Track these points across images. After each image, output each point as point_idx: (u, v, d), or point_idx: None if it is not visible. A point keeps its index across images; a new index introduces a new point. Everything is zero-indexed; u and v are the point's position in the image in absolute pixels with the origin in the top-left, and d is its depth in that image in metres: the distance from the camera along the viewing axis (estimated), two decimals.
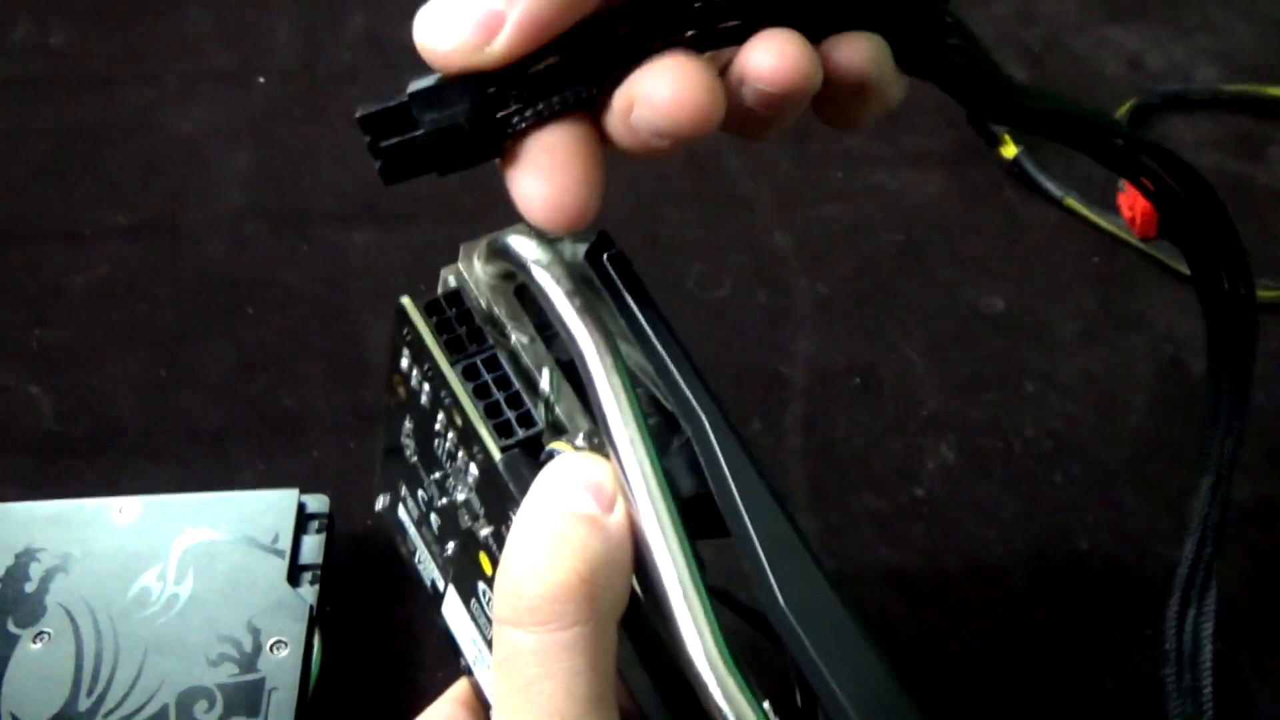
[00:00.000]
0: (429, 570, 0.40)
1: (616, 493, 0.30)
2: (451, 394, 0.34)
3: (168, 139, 0.72)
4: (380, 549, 0.55)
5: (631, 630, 0.30)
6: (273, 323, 0.63)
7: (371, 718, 0.50)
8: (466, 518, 0.35)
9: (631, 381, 0.31)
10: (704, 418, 0.32)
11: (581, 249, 0.35)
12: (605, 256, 0.34)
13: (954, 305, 0.64)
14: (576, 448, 0.32)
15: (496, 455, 0.32)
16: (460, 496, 0.35)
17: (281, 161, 0.71)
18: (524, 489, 0.31)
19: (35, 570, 0.48)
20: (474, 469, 0.34)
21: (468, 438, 0.34)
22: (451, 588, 0.38)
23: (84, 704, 0.45)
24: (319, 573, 0.49)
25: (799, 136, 0.72)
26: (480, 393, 0.33)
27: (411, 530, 0.40)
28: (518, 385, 0.34)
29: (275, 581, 0.48)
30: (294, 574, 0.49)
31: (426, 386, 0.35)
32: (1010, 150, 0.69)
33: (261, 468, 0.58)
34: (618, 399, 0.30)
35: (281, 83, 0.75)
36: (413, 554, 0.40)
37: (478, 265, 0.36)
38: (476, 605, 0.36)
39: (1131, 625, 0.53)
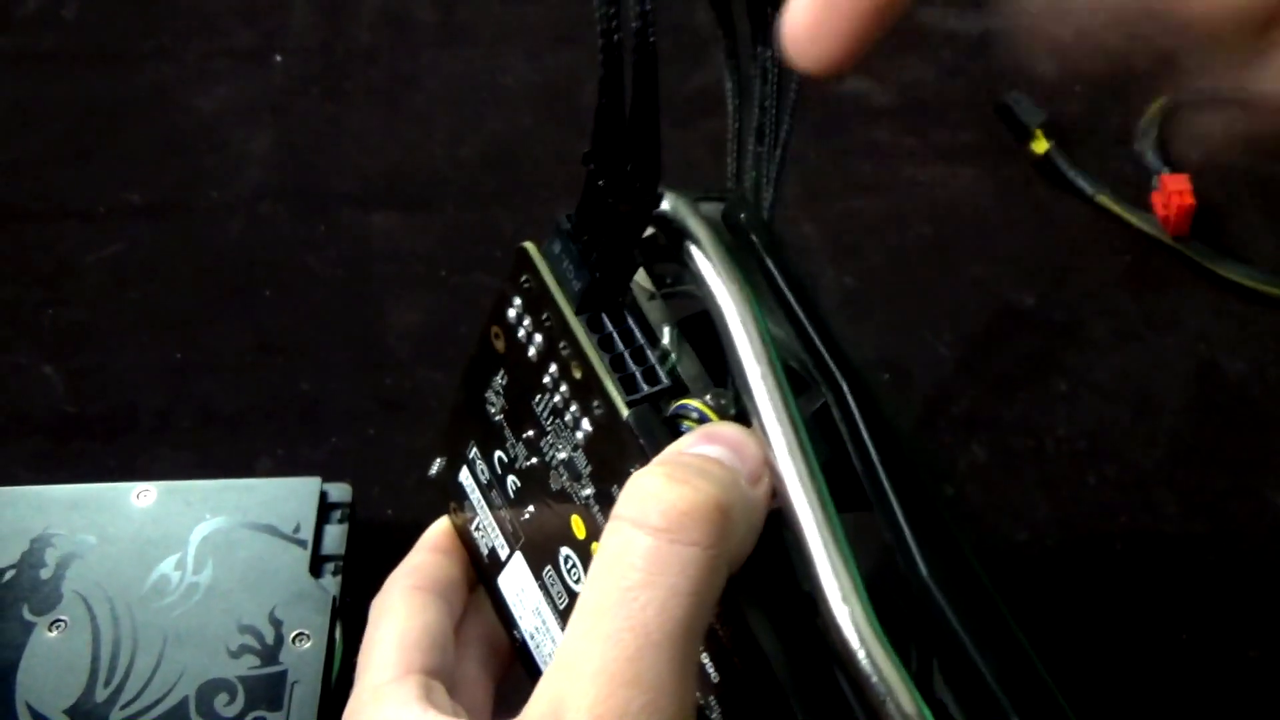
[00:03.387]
0: (488, 538, 0.38)
1: (763, 470, 0.30)
2: (574, 345, 0.33)
3: (185, 117, 0.71)
4: (402, 539, 0.54)
5: (766, 602, 0.30)
6: (291, 306, 0.62)
7: None
8: (565, 478, 0.34)
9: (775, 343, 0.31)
10: (844, 383, 0.31)
11: (718, 208, 0.34)
12: (743, 217, 0.34)
13: (985, 301, 0.63)
14: (707, 405, 0.31)
15: (624, 411, 0.32)
16: (561, 455, 0.34)
17: (300, 141, 0.70)
18: (653, 444, 0.31)
19: (51, 556, 0.47)
20: (586, 425, 0.33)
21: (586, 391, 0.33)
22: (519, 555, 0.37)
23: (101, 694, 0.44)
24: (341, 563, 0.48)
25: (827, 128, 0.71)
26: (605, 345, 0.33)
27: (474, 495, 0.39)
28: (642, 340, 0.33)
29: (297, 572, 0.47)
30: (316, 564, 0.48)
31: (539, 338, 0.34)
32: (1041, 146, 0.68)
33: (280, 454, 0.57)
34: (761, 360, 0.30)
35: (300, 61, 0.74)
36: (469, 521, 0.39)
37: None
38: (552, 573, 0.36)
39: (1166, 630, 0.52)
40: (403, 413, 0.58)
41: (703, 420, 0.31)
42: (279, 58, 0.74)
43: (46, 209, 0.66)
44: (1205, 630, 0.52)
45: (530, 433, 0.35)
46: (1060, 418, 0.59)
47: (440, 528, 0.40)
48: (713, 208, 0.34)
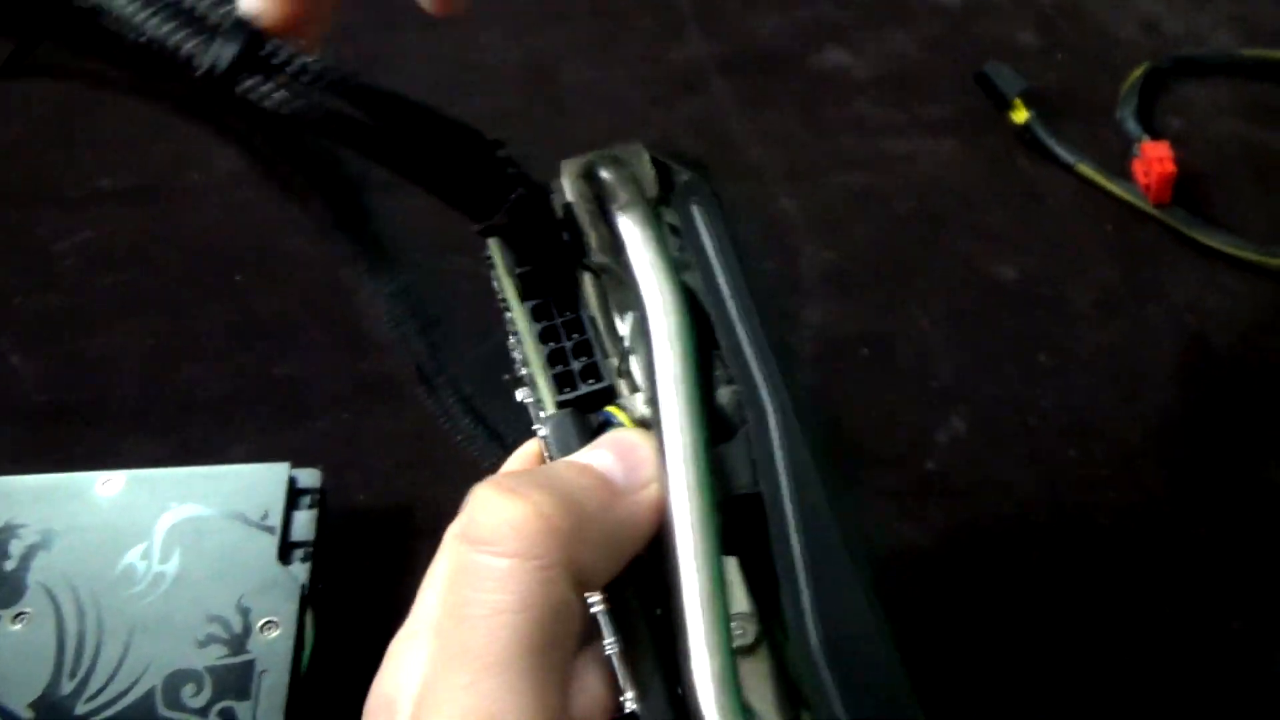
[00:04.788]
0: None
1: (651, 479, 0.27)
2: (519, 333, 0.31)
3: (160, 99, 0.70)
4: (374, 524, 0.53)
5: (653, 625, 0.27)
6: (270, 291, 0.61)
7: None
8: (547, 453, 0.33)
9: (697, 354, 0.28)
10: (769, 408, 0.28)
11: (680, 179, 0.31)
12: (692, 200, 0.31)
13: (968, 275, 0.62)
14: (635, 417, 0.29)
15: (550, 410, 0.30)
16: (541, 431, 0.32)
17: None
18: (564, 450, 0.29)
19: (15, 548, 0.46)
20: (542, 412, 0.31)
21: (533, 381, 0.31)
22: None
23: (67, 687, 0.43)
24: (311, 550, 0.47)
25: (809, 102, 0.70)
26: (547, 336, 0.31)
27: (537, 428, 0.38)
28: (590, 332, 0.31)
29: (265, 559, 0.46)
30: (285, 551, 0.47)
31: (508, 317, 0.33)
32: (1021, 115, 0.67)
33: (258, 440, 0.56)
34: (675, 378, 0.27)
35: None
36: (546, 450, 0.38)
37: (567, 186, 0.32)
38: None
39: (1154, 604, 0.51)
40: (379, 396, 0.58)
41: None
42: None
43: (21, 193, 0.65)
44: (1190, 603, 0.51)
45: (531, 399, 0.34)
46: (1045, 392, 0.58)
47: (531, 449, 0.39)
48: (673, 176, 0.31)
